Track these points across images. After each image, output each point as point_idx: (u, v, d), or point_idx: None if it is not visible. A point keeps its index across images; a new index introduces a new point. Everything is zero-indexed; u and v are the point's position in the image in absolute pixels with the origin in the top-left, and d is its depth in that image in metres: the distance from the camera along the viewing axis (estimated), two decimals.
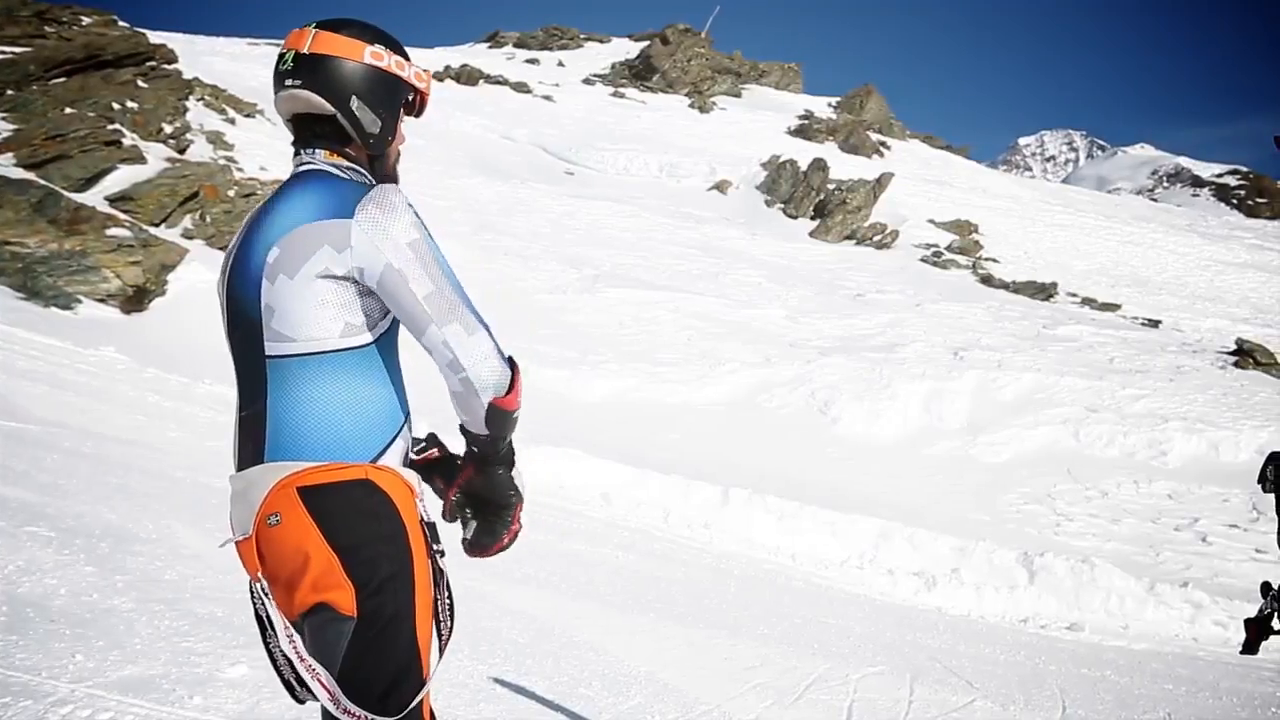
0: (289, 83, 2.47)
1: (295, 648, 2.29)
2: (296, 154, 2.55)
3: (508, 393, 2.34)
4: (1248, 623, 9.37)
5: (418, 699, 2.29)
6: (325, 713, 2.31)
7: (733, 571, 11.31)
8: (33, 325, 14.96)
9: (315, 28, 2.48)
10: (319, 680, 2.26)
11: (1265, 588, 9.01)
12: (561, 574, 8.77)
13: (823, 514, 13.82)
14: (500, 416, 2.36)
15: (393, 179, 2.60)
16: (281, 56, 2.48)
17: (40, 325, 15.25)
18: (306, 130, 2.53)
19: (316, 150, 2.51)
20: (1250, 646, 8.98)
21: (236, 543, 2.38)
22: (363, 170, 2.53)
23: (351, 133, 2.50)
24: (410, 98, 2.59)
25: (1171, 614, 12.28)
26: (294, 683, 2.38)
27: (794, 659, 7.34)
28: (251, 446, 2.37)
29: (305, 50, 2.45)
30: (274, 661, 2.39)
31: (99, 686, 4.02)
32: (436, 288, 2.31)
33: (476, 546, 2.55)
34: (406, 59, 2.56)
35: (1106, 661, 9.64)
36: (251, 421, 2.38)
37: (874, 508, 15.14)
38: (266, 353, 2.36)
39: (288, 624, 2.31)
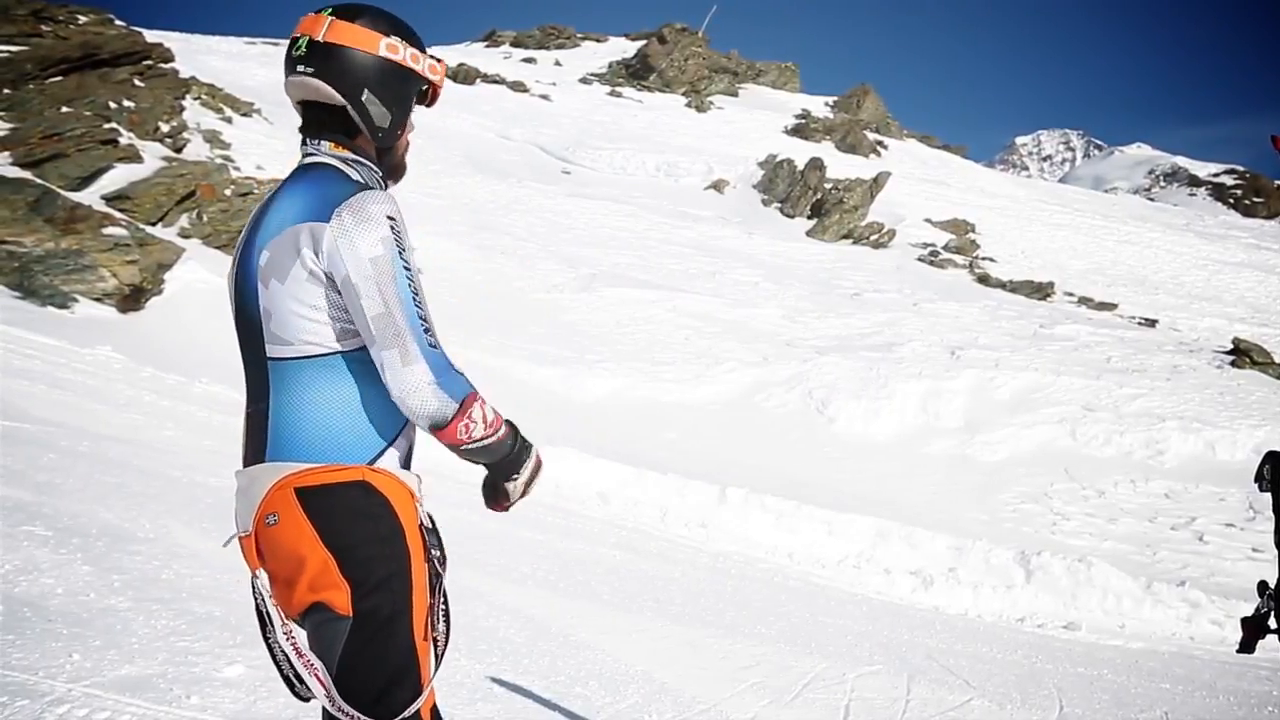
0: (301, 69, 2.43)
1: (294, 644, 2.30)
2: (304, 142, 2.52)
3: (448, 424, 2.31)
4: (1244, 621, 9.39)
5: (414, 707, 2.28)
6: (325, 712, 2.31)
7: (730, 570, 11.31)
8: (29, 324, 14.93)
9: (331, 14, 2.43)
10: (316, 676, 2.26)
11: (1262, 587, 9.03)
12: (559, 573, 8.77)
13: (820, 513, 13.83)
14: (453, 449, 2.37)
15: (401, 169, 2.61)
16: (295, 41, 2.44)
17: (37, 324, 15.22)
18: (315, 118, 2.50)
19: (322, 142, 2.48)
20: (1247, 645, 9.00)
21: (240, 538, 2.40)
22: (368, 163, 2.51)
23: (360, 125, 2.46)
24: (423, 89, 2.57)
25: (1168, 613, 12.29)
26: (293, 678, 2.37)
27: (791, 658, 7.34)
28: (255, 444, 2.39)
29: (320, 38, 2.41)
30: (274, 656, 2.38)
31: (96, 686, 4.01)
32: (386, 310, 2.26)
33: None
34: (422, 50, 2.53)
35: (1103, 660, 9.64)
36: (256, 419, 2.40)
37: (871, 507, 15.15)
38: (268, 355, 2.37)
39: (285, 619, 2.32)
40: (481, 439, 2.35)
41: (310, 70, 2.42)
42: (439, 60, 2.58)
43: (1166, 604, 12.43)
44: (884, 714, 6.35)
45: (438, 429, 2.30)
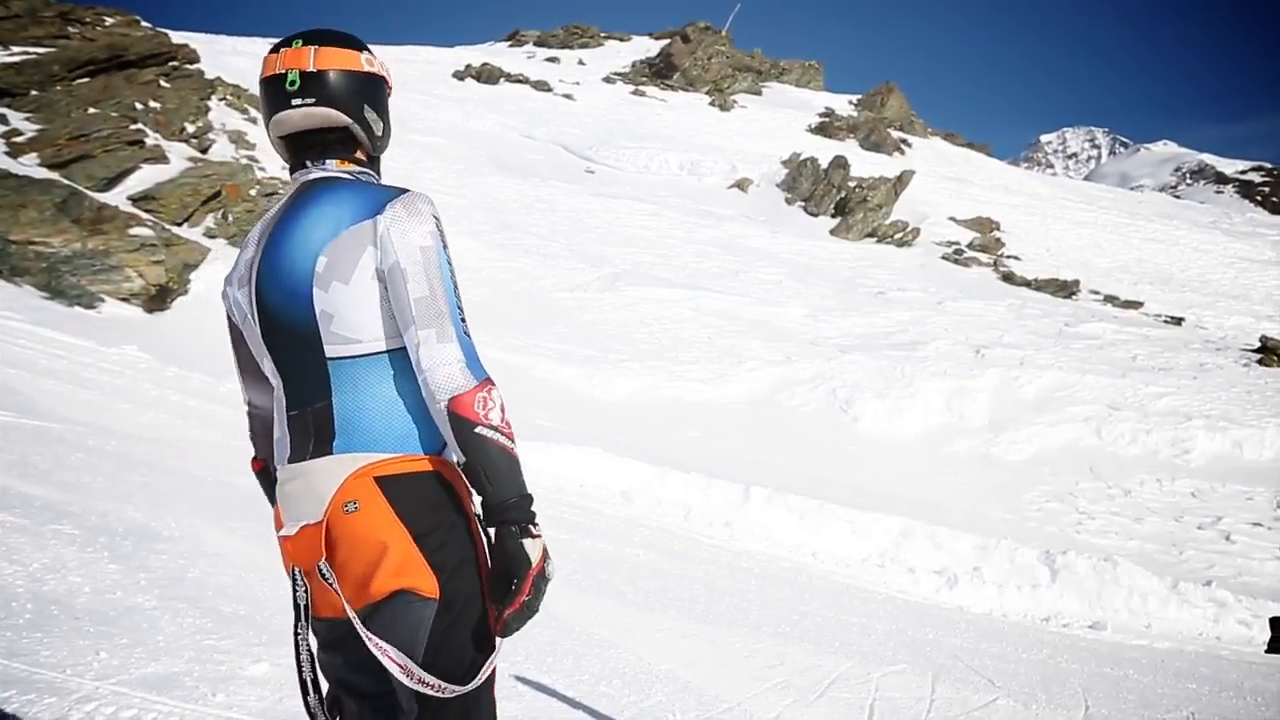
0: (298, 102, 2.50)
1: (367, 635, 2.33)
2: (301, 167, 2.57)
3: (467, 393, 2.31)
4: (1273, 622, 9.32)
5: (489, 668, 2.39)
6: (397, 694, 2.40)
7: (753, 570, 11.30)
8: (56, 324, 15.06)
9: (308, 45, 2.51)
10: (389, 656, 2.32)
11: None
12: (582, 572, 8.77)
13: (843, 512, 13.78)
14: (462, 427, 2.31)
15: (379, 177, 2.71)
16: (280, 77, 2.50)
17: (63, 324, 15.35)
18: (314, 143, 2.56)
19: (328, 160, 2.56)
20: (1275, 645, 8.92)
21: (286, 536, 2.46)
22: (370, 171, 2.62)
23: (363, 139, 2.58)
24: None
25: (1195, 613, 12.20)
26: (309, 684, 2.44)
27: (815, 657, 7.33)
28: (314, 441, 2.43)
29: (311, 68, 2.49)
30: (297, 654, 2.45)
31: (122, 684, 4.04)
32: (430, 293, 2.36)
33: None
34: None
35: (1129, 660, 9.59)
36: (312, 418, 2.45)
37: (895, 506, 15.10)
38: (328, 355, 2.42)
39: (353, 609, 2.36)
40: (497, 427, 2.33)
41: (311, 100, 2.50)
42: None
43: (1193, 604, 12.34)
44: (909, 714, 6.33)
45: (455, 399, 2.31)
